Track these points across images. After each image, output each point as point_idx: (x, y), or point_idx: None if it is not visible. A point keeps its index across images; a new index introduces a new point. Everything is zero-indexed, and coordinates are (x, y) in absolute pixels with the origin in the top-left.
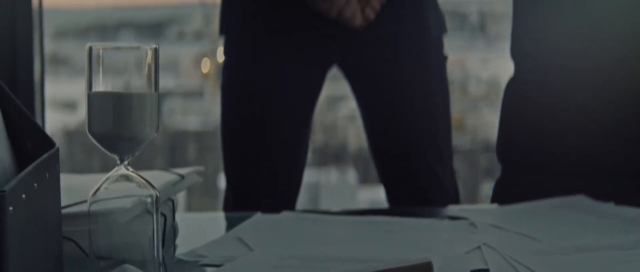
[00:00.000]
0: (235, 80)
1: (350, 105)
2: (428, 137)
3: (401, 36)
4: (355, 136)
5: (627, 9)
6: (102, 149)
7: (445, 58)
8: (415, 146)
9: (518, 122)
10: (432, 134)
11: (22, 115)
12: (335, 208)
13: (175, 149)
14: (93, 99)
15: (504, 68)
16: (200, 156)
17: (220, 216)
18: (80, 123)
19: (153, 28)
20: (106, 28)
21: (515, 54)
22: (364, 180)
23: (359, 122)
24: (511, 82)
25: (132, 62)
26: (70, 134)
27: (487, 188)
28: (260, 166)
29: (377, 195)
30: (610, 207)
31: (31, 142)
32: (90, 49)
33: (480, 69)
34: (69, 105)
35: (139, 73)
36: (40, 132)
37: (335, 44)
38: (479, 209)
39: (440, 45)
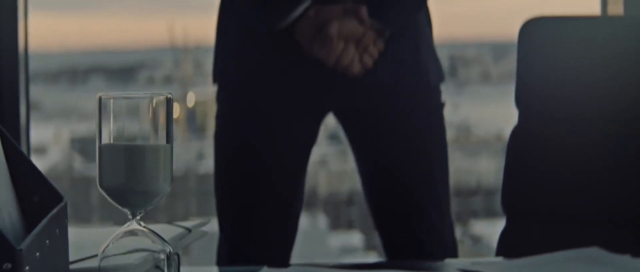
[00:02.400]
0: (228, 130)
1: (321, 151)
2: (426, 186)
3: (399, 83)
4: (326, 180)
5: (632, 55)
6: (113, 203)
7: (442, 105)
8: (413, 196)
9: (523, 171)
10: (431, 183)
11: (29, 168)
12: (305, 254)
13: None
14: (104, 151)
15: (474, 113)
16: (171, 201)
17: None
18: (50, 167)
19: (123, 73)
20: (76, 72)
21: (520, 102)
22: (335, 225)
23: (330, 166)
24: (516, 131)
25: (143, 113)
26: None
27: (458, 233)
28: (255, 217)
29: (348, 240)
30: (627, 259)
31: (38, 196)
32: (100, 98)
33: (450, 114)
34: (39, 150)
35: (151, 124)
36: (47, 185)
37: (333, 91)
38: (488, 261)
39: (438, 93)
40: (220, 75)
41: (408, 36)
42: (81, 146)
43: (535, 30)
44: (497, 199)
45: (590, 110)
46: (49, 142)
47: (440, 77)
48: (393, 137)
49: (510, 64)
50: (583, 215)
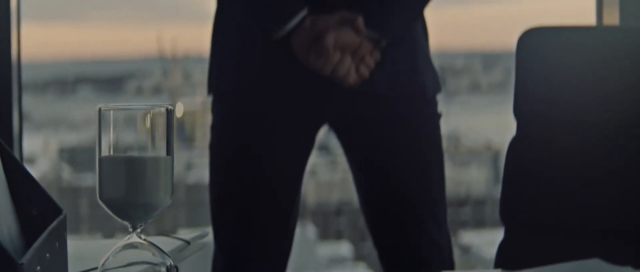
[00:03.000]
0: (222, 142)
1: (310, 161)
2: (423, 197)
3: (396, 94)
4: (314, 190)
5: (631, 65)
6: (114, 216)
7: (439, 116)
8: (409, 207)
9: (523, 181)
10: (427, 194)
11: (28, 181)
12: (294, 264)
13: None
14: (104, 163)
15: (464, 123)
16: (161, 212)
17: None
18: (39, 178)
19: (112, 83)
20: (65, 82)
21: (519, 112)
22: (324, 235)
23: (319, 177)
24: (514, 141)
25: (144, 124)
26: None
27: None
28: (251, 229)
29: (337, 251)
30: (629, 271)
31: (37, 209)
32: (100, 110)
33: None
34: (28, 160)
35: (152, 135)
36: (46, 198)
37: (328, 102)
38: None
39: (434, 104)
40: (216, 86)
41: (404, 46)
42: (70, 156)
43: (534, 40)
44: (486, 209)
45: (590, 120)
46: (37, 153)
47: (437, 88)
48: (389, 147)
49: (500, 74)
50: (584, 226)
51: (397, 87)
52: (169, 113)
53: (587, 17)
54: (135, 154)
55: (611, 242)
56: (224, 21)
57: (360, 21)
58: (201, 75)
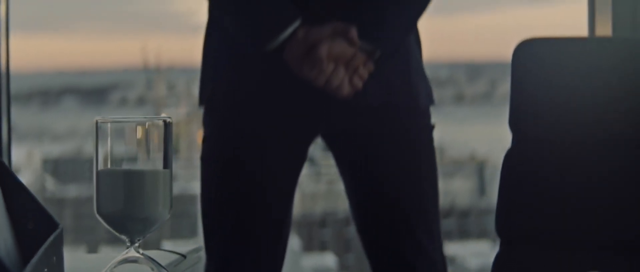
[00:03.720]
0: (215, 154)
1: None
2: (417, 210)
3: (389, 105)
4: (299, 201)
5: (629, 76)
6: (112, 230)
7: (432, 127)
8: (403, 220)
9: (519, 194)
10: (421, 207)
11: (24, 194)
12: None
13: None
14: (101, 177)
15: (448, 134)
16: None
17: None
18: None
19: (96, 94)
20: (49, 93)
21: (514, 124)
22: (308, 247)
23: (303, 188)
24: (510, 154)
25: (142, 137)
26: None
27: None
28: (243, 241)
29: (321, 262)
30: None
31: (33, 222)
32: (97, 123)
33: None
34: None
35: (150, 148)
36: (42, 212)
37: (322, 113)
38: None
39: (428, 115)
40: (207, 97)
41: (398, 57)
42: (53, 167)
43: (530, 52)
44: (471, 220)
45: (587, 132)
46: (21, 163)
47: (430, 99)
48: (382, 158)
49: (484, 85)
50: (581, 239)
51: (390, 99)
52: (167, 126)
53: (577, 27)
54: (132, 167)
55: (609, 255)
56: (215, 32)
57: (353, 32)
58: (185, 86)
